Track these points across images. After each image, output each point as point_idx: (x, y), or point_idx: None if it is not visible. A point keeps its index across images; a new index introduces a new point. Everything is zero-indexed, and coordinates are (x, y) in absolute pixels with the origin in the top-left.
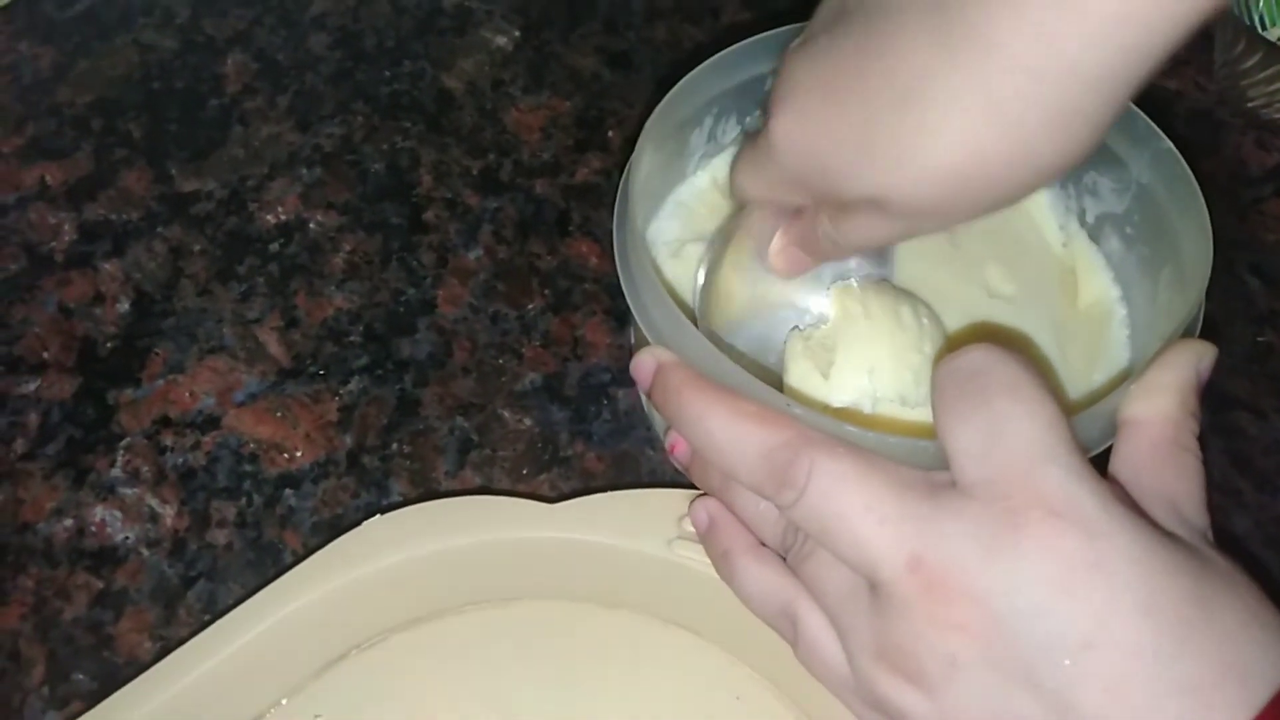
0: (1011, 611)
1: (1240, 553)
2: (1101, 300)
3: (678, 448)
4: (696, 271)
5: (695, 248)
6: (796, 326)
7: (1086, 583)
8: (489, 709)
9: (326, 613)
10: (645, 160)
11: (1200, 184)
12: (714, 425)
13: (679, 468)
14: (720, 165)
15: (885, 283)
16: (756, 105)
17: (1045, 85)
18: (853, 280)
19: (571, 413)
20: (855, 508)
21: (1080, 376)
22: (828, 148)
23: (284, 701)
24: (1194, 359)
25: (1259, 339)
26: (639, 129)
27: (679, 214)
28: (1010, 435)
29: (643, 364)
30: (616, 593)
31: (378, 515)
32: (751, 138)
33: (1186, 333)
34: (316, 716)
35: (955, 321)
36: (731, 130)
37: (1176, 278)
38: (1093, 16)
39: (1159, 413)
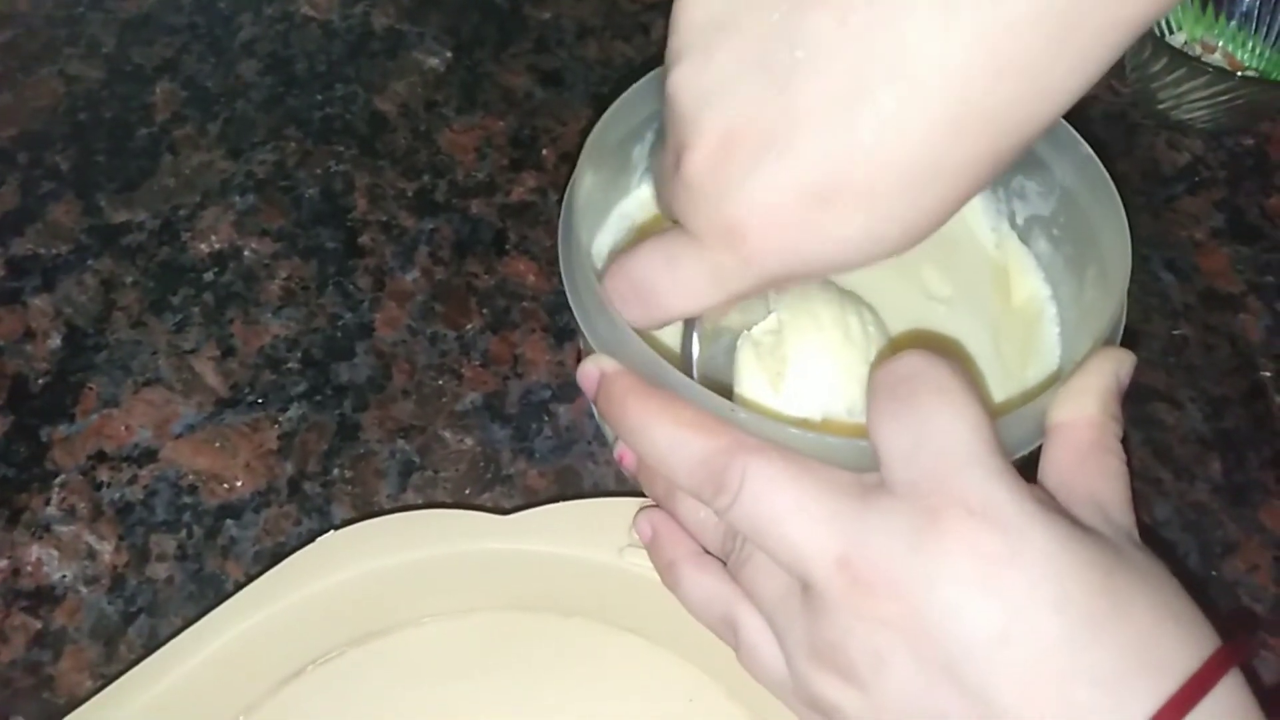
0: (933, 607)
1: (1160, 538)
2: (1033, 299)
3: (625, 457)
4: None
5: None
6: (747, 332)
7: (1002, 579)
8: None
9: (281, 629)
10: (588, 175)
11: (1117, 184)
12: (655, 433)
13: (628, 476)
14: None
15: (831, 285)
16: None
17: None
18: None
19: (513, 430)
20: (786, 509)
21: (1015, 373)
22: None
23: (240, 719)
24: (1114, 366)
25: (1174, 332)
26: (574, 146)
27: (623, 226)
28: (936, 438)
29: (588, 373)
30: (570, 601)
31: (330, 531)
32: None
33: (1111, 330)
34: None
35: (895, 323)
36: None
37: (1100, 277)
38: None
39: (1083, 417)
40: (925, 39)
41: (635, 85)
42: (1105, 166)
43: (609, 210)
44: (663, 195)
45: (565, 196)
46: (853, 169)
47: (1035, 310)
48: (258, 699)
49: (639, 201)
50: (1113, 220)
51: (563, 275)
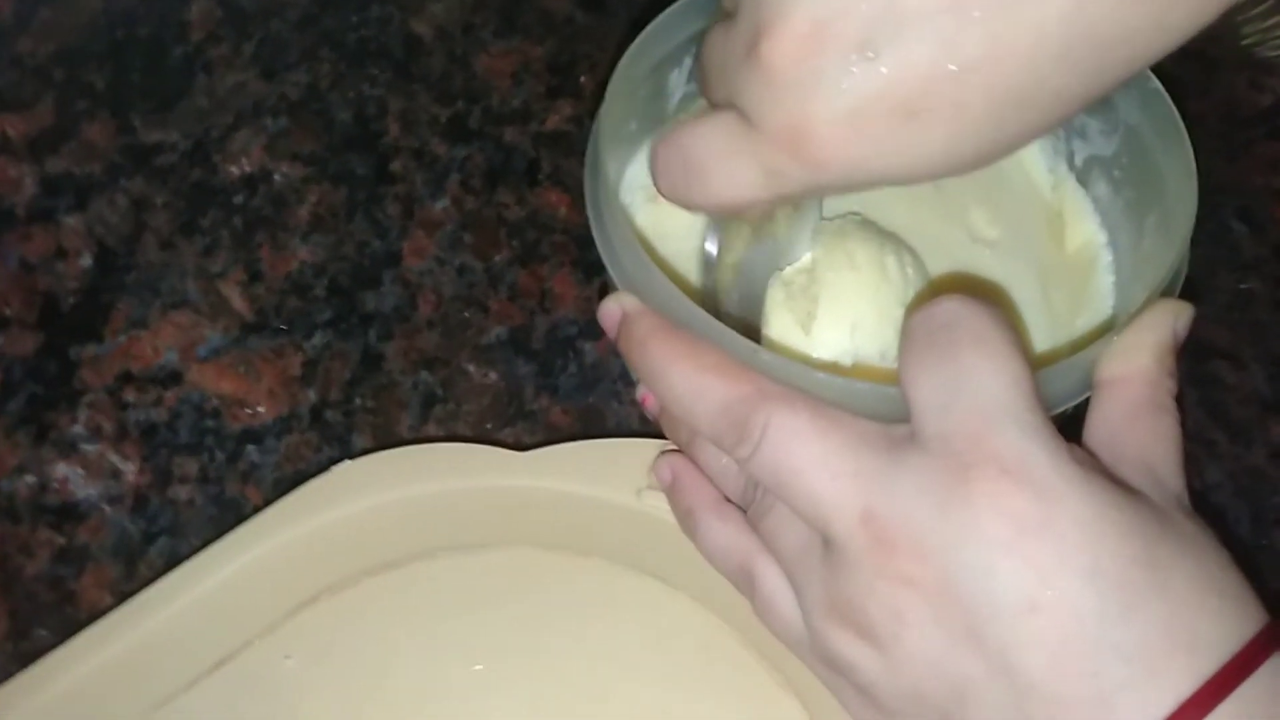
0: (959, 569)
1: (1210, 504)
2: (1088, 245)
3: (648, 400)
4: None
5: None
6: (779, 271)
7: (1034, 543)
8: (459, 653)
9: (296, 556)
10: (618, 103)
11: (1190, 126)
12: (676, 377)
13: (650, 418)
14: (701, 105)
15: (870, 224)
16: None
17: None
18: (839, 219)
19: (538, 366)
20: (810, 462)
21: (1064, 322)
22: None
23: (255, 642)
24: (1171, 318)
25: (1241, 286)
26: (612, 74)
27: None
28: (972, 390)
29: (609, 311)
30: (586, 541)
31: (346, 461)
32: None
33: (1171, 281)
34: (287, 658)
35: (937, 266)
36: None
37: (1162, 224)
38: None
39: (1136, 372)
40: None
41: (671, 8)
42: (1178, 107)
43: (641, 141)
44: (719, 76)
45: (593, 125)
46: (948, 83)
47: (1089, 258)
48: (272, 624)
49: None
50: (1179, 162)
51: (588, 208)
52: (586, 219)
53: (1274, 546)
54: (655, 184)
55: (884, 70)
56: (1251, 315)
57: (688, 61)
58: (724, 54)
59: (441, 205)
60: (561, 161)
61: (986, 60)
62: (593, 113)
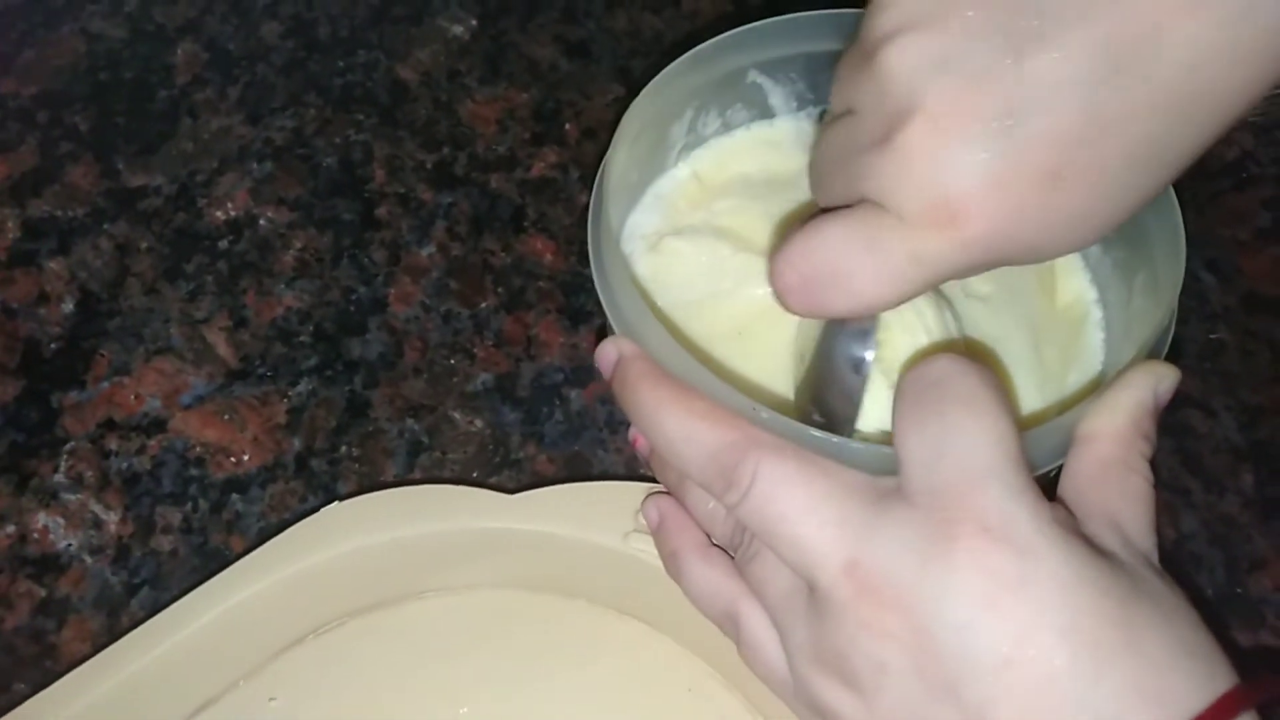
0: (938, 624)
1: (1185, 552)
2: (1079, 301)
3: (639, 441)
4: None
5: (674, 241)
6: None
7: (1011, 601)
8: (444, 695)
9: (284, 596)
10: (622, 151)
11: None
12: (668, 422)
13: (641, 459)
14: (701, 157)
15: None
16: (738, 99)
17: None
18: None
19: (524, 414)
20: (797, 509)
21: (1055, 377)
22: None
23: (241, 684)
24: (1153, 381)
25: (1211, 336)
26: (598, 121)
27: (658, 207)
28: (958, 448)
29: (605, 354)
30: (573, 583)
31: (335, 503)
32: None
33: (1156, 341)
34: (271, 700)
35: None
36: (713, 123)
37: (1150, 284)
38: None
39: (1109, 431)
40: (1173, 18)
41: (677, 61)
42: None
43: (643, 189)
44: (842, 173)
45: (598, 173)
46: (1088, 146)
47: (1080, 313)
48: (257, 665)
49: (674, 181)
50: (1168, 226)
51: (590, 253)
52: (572, 266)
53: (1248, 594)
54: (780, 300)
55: (1027, 138)
56: (1222, 364)
57: (689, 113)
58: (847, 150)
59: (427, 252)
60: (547, 208)
61: (1122, 122)
62: (578, 160)
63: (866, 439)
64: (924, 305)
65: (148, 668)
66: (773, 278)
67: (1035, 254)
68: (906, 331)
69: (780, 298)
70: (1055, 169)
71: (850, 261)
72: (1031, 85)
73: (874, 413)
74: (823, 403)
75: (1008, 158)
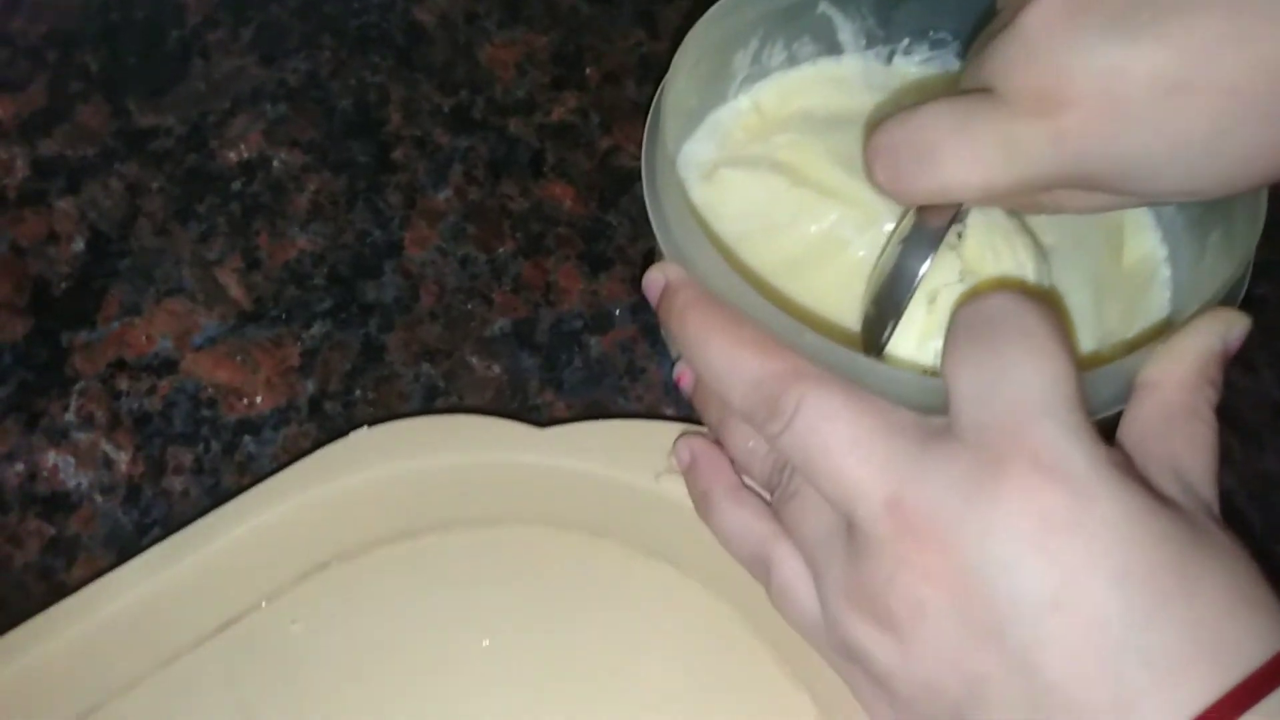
0: (983, 563)
1: (1223, 510)
2: (1147, 259)
3: (684, 378)
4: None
5: (729, 171)
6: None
7: (1062, 542)
8: (466, 627)
9: (309, 520)
10: (682, 76)
11: None
12: (713, 350)
13: (684, 396)
14: (764, 90)
15: (1013, 223)
16: (806, 31)
17: None
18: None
19: (541, 360)
20: (840, 443)
21: (1115, 335)
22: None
23: (263, 605)
24: (1223, 328)
25: (1253, 291)
26: (619, 66)
27: (715, 136)
28: (1013, 384)
29: (653, 280)
30: (601, 522)
31: (364, 427)
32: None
33: (1230, 293)
34: (293, 622)
35: None
36: (778, 55)
37: (1225, 241)
38: None
39: (1176, 377)
40: None
41: None
42: None
43: (701, 117)
44: (975, 61)
45: (655, 95)
46: (1221, 61)
47: (1147, 271)
48: (280, 587)
49: (734, 111)
50: None
51: (643, 176)
52: (593, 212)
53: None
54: (870, 174)
55: (1153, 37)
56: (1263, 320)
57: (754, 43)
58: (988, 35)
59: (444, 195)
60: (566, 154)
61: (1267, 38)
62: (598, 105)
63: (894, 363)
64: (1020, 246)
65: (170, 583)
66: (866, 144)
67: (1129, 180)
68: (995, 257)
69: (867, 166)
70: (1177, 76)
71: (939, 135)
72: None
73: (908, 332)
74: (869, 308)
75: (1129, 51)
